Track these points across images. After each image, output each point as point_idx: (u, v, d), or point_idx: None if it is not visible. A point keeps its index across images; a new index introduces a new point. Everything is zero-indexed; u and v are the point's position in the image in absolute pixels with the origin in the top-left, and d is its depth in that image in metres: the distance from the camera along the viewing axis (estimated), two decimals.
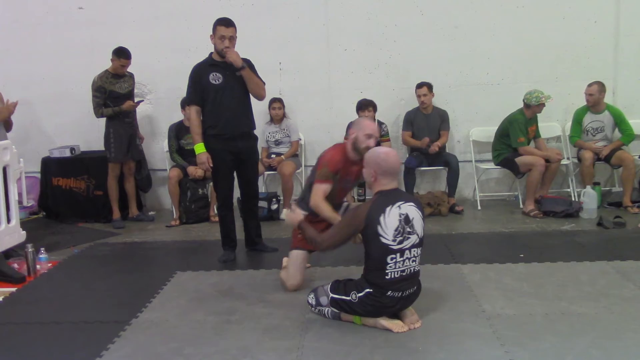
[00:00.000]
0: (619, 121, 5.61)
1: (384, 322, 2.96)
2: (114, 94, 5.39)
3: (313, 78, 6.08)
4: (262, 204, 5.29)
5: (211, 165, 4.15)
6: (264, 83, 4.23)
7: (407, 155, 5.86)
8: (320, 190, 3.48)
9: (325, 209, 3.45)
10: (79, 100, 5.94)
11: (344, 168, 3.55)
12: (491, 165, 5.86)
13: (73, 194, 5.87)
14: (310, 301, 3.18)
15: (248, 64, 4.12)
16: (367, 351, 2.76)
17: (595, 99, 5.54)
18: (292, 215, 3.26)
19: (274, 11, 5.98)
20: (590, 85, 5.55)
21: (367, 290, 2.94)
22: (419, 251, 2.98)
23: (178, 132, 5.70)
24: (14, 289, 3.83)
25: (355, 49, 6.01)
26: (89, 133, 6.04)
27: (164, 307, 3.42)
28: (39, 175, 6.01)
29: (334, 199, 3.57)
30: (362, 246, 3.02)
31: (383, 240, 2.87)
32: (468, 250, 4.40)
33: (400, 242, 2.89)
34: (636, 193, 5.51)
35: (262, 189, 5.71)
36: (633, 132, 5.60)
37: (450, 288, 3.53)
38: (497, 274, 3.75)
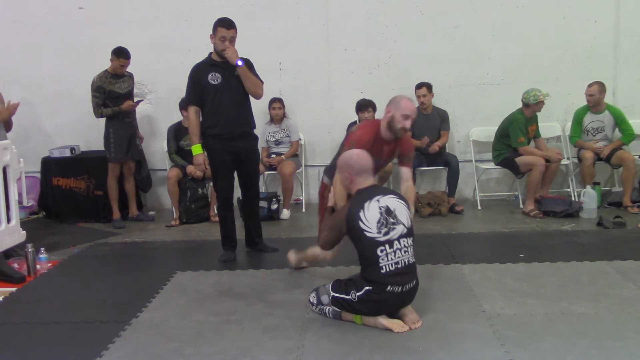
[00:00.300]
0: (619, 121, 5.61)
1: (385, 321, 2.96)
2: (113, 94, 5.39)
3: (313, 78, 6.08)
4: (262, 204, 5.29)
5: (207, 167, 4.15)
6: (262, 82, 4.21)
7: None
8: None
9: (338, 193, 3.35)
10: (79, 100, 5.94)
11: (375, 147, 3.39)
12: (491, 165, 5.86)
13: (73, 194, 5.87)
14: (311, 300, 3.19)
15: (247, 63, 4.11)
16: (367, 351, 2.76)
17: (595, 99, 5.54)
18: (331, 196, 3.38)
19: (274, 11, 5.98)
20: (590, 85, 5.55)
21: (367, 287, 2.94)
22: (410, 241, 3.00)
23: (177, 133, 5.70)
24: (14, 289, 3.83)
25: (355, 49, 6.01)
26: (89, 133, 6.04)
27: (164, 307, 3.41)
28: (39, 175, 6.01)
29: None
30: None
31: (368, 234, 2.91)
32: (468, 250, 4.40)
33: (387, 234, 2.91)
34: (636, 193, 5.51)
35: (262, 188, 5.70)
36: (633, 132, 5.60)
37: (450, 288, 3.53)
38: (497, 274, 3.75)
